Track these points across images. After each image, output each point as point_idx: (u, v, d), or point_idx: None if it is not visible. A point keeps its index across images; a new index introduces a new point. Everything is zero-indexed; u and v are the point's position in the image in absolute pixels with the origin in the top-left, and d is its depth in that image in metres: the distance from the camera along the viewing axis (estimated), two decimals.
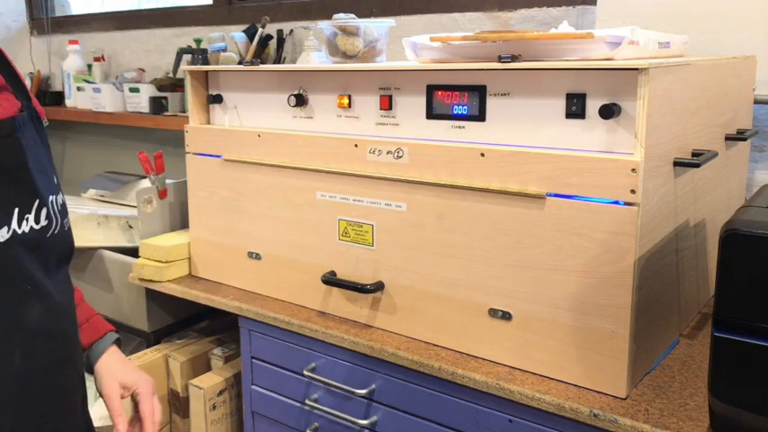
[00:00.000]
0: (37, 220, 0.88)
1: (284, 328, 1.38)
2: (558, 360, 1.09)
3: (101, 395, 1.09)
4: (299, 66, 1.65)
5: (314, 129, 1.39)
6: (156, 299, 1.76)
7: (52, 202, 0.91)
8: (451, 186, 1.16)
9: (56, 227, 0.92)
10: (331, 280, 1.34)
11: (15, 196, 0.86)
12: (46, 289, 0.90)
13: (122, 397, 1.09)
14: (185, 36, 2.61)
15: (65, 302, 0.96)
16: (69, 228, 0.97)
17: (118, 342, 1.15)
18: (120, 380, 1.09)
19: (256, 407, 1.51)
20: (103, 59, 2.85)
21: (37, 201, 0.88)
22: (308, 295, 1.41)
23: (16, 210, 0.85)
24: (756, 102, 1.47)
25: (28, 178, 0.88)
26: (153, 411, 1.10)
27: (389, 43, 1.59)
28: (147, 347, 1.74)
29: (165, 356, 1.70)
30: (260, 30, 2.13)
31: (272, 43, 2.22)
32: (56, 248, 0.93)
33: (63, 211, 0.95)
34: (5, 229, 0.83)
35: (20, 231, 0.85)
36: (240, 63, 2.04)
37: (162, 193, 1.74)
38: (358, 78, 1.30)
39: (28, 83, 3.05)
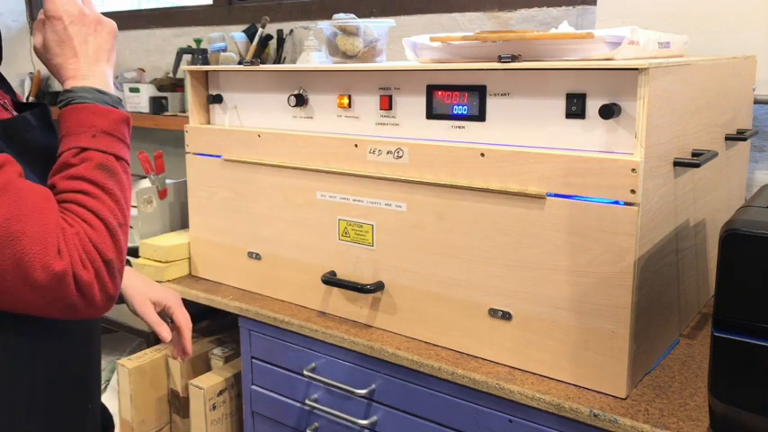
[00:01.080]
0: None
1: (284, 328, 1.38)
2: (558, 360, 1.09)
3: (136, 314, 1.15)
4: (299, 66, 1.65)
5: (314, 129, 1.39)
6: None
7: None
8: (451, 186, 1.16)
9: None
10: (331, 280, 1.34)
11: None
12: None
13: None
14: (185, 36, 2.61)
15: None
16: None
17: (128, 263, 1.19)
18: (149, 297, 1.16)
19: (256, 407, 1.51)
20: None
21: None
22: (308, 295, 1.41)
23: None
24: (756, 102, 1.47)
25: None
26: (187, 319, 1.19)
27: (389, 43, 1.59)
28: (148, 347, 1.74)
29: (165, 356, 1.70)
30: (260, 30, 2.13)
31: (272, 43, 2.22)
32: None
33: None
34: None
35: None
36: (240, 63, 2.04)
37: (162, 193, 1.74)
38: (358, 78, 1.30)
39: (28, 83, 3.06)
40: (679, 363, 1.14)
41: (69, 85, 0.86)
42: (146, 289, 1.17)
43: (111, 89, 0.88)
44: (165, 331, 1.14)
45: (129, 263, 1.20)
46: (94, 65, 0.87)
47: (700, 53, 1.46)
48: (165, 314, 1.18)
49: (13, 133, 0.83)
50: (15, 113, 0.89)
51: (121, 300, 1.16)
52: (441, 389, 1.19)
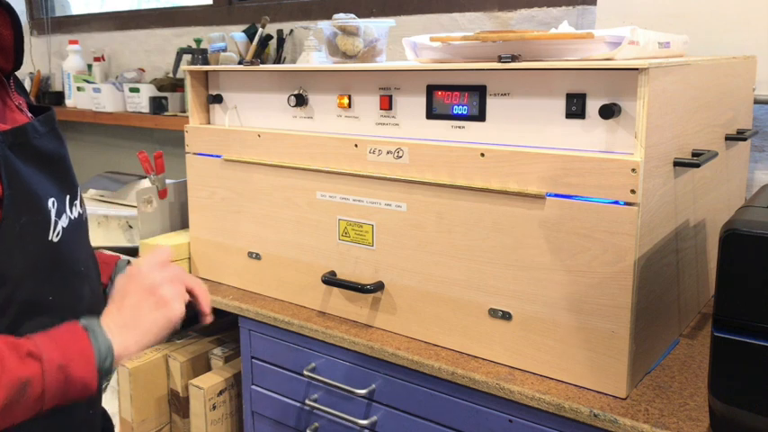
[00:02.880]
0: (81, 206, 0.94)
1: (284, 328, 1.38)
2: (558, 360, 1.09)
3: None
4: (299, 66, 1.65)
5: (314, 129, 1.39)
6: None
7: (79, 188, 0.97)
8: (451, 186, 1.16)
9: (84, 211, 0.97)
10: (331, 280, 1.34)
11: (67, 185, 0.90)
12: (90, 271, 0.94)
13: None
14: (185, 36, 2.61)
15: (99, 284, 1.00)
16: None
17: (128, 263, 1.20)
18: None
19: (256, 407, 1.51)
20: (103, 59, 2.85)
21: (78, 188, 0.94)
22: (308, 295, 1.41)
23: (68, 197, 0.90)
24: (756, 102, 1.47)
25: (70, 167, 0.92)
26: (201, 285, 1.16)
27: (389, 43, 1.59)
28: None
29: (165, 356, 1.70)
30: (260, 30, 2.13)
31: (272, 43, 2.22)
32: (86, 231, 0.98)
33: (81, 198, 1.00)
34: (64, 215, 0.87)
35: (72, 217, 0.90)
36: (240, 63, 2.04)
37: (162, 193, 1.74)
38: (358, 78, 1.30)
39: (28, 83, 3.06)
40: (679, 363, 1.14)
41: (103, 323, 0.84)
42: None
43: (123, 359, 0.84)
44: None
45: (129, 262, 1.20)
46: (123, 328, 0.85)
47: (700, 53, 1.46)
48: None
49: (23, 141, 0.84)
50: (30, 115, 0.90)
51: None
52: (441, 389, 1.19)
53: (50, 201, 0.85)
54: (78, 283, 0.91)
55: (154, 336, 0.87)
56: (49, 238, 0.84)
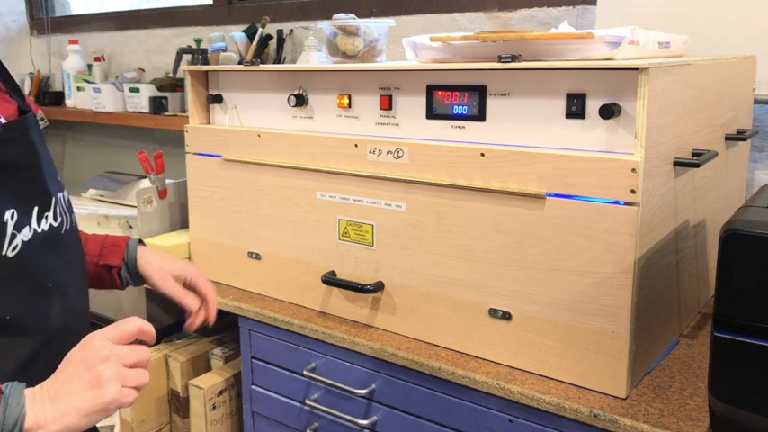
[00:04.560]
0: (54, 218, 0.89)
1: (284, 328, 1.38)
2: (558, 360, 1.09)
3: (158, 291, 1.15)
4: (299, 66, 1.65)
5: (314, 129, 1.39)
6: (156, 299, 1.76)
7: (61, 199, 0.92)
8: (451, 186, 1.16)
9: (67, 224, 0.93)
10: (331, 280, 1.34)
11: (34, 195, 0.86)
12: (65, 287, 0.90)
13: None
14: (185, 36, 2.61)
15: (80, 300, 0.96)
16: (76, 224, 0.98)
17: (141, 242, 1.20)
18: (170, 272, 1.15)
19: (256, 407, 1.51)
20: (103, 59, 2.85)
21: (53, 199, 0.89)
22: (308, 295, 1.41)
23: (36, 209, 0.86)
24: (756, 102, 1.47)
25: (42, 177, 0.88)
26: (211, 287, 1.18)
27: (389, 43, 1.59)
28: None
29: (164, 356, 1.70)
30: (260, 30, 2.13)
31: (272, 43, 2.22)
32: (69, 245, 0.94)
33: (70, 207, 0.96)
34: (27, 228, 0.83)
35: (40, 230, 0.86)
36: (240, 63, 2.04)
37: (162, 193, 1.74)
38: (358, 78, 1.30)
39: (27, 83, 3.06)
40: (679, 363, 1.14)
41: (30, 391, 0.76)
42: (164, 264, 1.16)
43: None
44: (192, 301, 1.14)
45: (142, 242, 1.20)
46: (49, 401, 0.75)
47: (700, 53, 1.46)
48: (188, 286, 1.18)
49: None
50: (3, 121, 0.85)
51: (142, 280, 1.17)
52: (441, 389, 1.19)
53: (8, 213, 0.81)
54: (44, 300, 0.86)
55: (81, 416, 0.75)
56: (3, 253, 0.80)
